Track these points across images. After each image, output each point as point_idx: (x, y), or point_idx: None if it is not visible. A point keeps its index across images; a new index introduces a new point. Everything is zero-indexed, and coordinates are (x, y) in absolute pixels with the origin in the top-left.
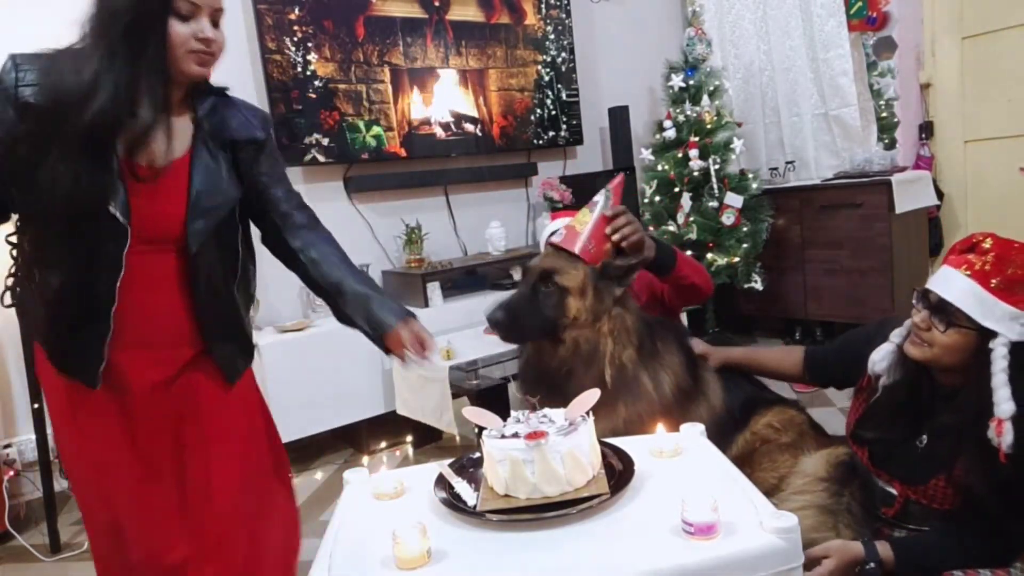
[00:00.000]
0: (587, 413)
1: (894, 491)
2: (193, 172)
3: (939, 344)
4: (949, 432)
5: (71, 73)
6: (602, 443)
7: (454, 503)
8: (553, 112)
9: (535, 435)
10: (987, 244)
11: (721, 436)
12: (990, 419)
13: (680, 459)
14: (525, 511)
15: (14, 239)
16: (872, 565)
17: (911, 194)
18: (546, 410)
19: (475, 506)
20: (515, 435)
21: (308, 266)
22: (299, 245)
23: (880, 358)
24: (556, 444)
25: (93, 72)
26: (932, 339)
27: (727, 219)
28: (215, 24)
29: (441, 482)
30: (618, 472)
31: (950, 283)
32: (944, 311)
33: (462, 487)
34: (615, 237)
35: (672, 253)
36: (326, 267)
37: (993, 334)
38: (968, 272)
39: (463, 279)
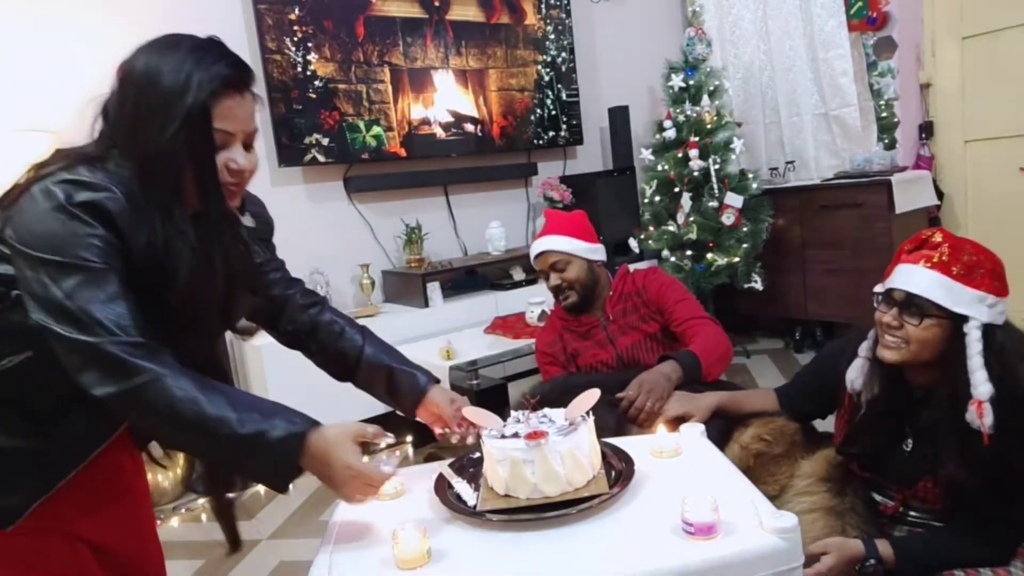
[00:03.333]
0: (587, 413)
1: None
2: None
3: (915, 339)
4: (931, 431)
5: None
6: (602, 443)
7: (454, 503)
8: (553, 112)
9: (535, 435)
10: (937, 238)
11: None
12: (969, 403)
13: (680, 459)
14: (525, 511)
15: None
16: (872, 562)
17: (911, 194)
18: (546, 410)
19: (475, 506)
20: (515, 435)
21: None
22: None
23: (856, 376)
24: (556, 444)
25: (162, 240)
26: (907, 335)
27: (727, 219)
28: (248, 147)
29: (441, 482)
30: (618, 472)
31: (914, 278)
32: (913, 305)
33: (462, 487)
34: (639, 419)
35: (697, 366)
36: None
37: (964, 319)
38: (928, 265)
39: (463, 279)
